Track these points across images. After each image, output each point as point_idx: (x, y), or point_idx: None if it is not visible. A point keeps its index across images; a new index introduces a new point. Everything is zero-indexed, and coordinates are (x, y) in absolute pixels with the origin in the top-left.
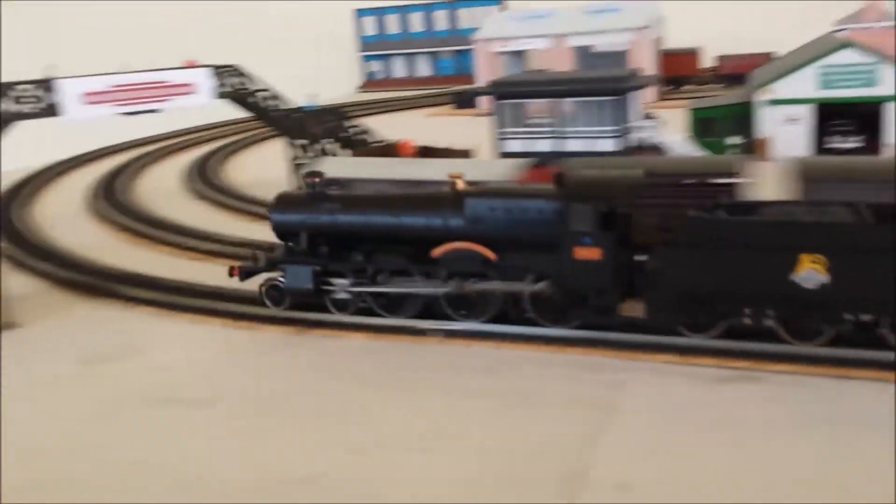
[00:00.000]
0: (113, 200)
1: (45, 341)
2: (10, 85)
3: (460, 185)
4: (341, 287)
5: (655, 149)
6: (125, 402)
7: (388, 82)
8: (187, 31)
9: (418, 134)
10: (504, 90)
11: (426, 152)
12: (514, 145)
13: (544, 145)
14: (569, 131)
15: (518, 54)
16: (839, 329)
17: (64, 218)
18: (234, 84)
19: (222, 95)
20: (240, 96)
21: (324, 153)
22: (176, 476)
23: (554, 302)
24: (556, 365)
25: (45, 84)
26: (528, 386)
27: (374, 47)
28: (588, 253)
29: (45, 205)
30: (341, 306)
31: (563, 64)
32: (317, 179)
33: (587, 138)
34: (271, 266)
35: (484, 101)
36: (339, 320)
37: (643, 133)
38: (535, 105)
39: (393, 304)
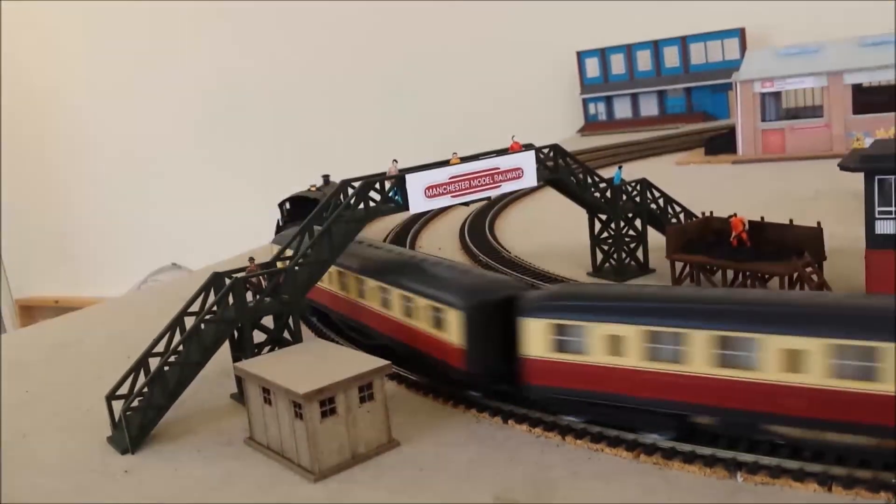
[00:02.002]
0: None
1: (444, 467)
2: (373, 183)
3: None
4: None
5: None
6: None
7: (611, 124)
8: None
9: (673, 188)
10: (879, 165)
11: (759, 230)
12: (888, 227)
13: None
14: None
15: (778, 95)
16: None
17: None
18: (554, 165)
19: (544, 177)
20: (560, 177)
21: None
22: None
23: None
24: None
25: (400, 180)
26: None
27: (596, 89)
28: None
29: None
30: None
31: (839, 102)
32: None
33: None
34: None
35: (742, 146)
36: None
37: None
38: None
39: None
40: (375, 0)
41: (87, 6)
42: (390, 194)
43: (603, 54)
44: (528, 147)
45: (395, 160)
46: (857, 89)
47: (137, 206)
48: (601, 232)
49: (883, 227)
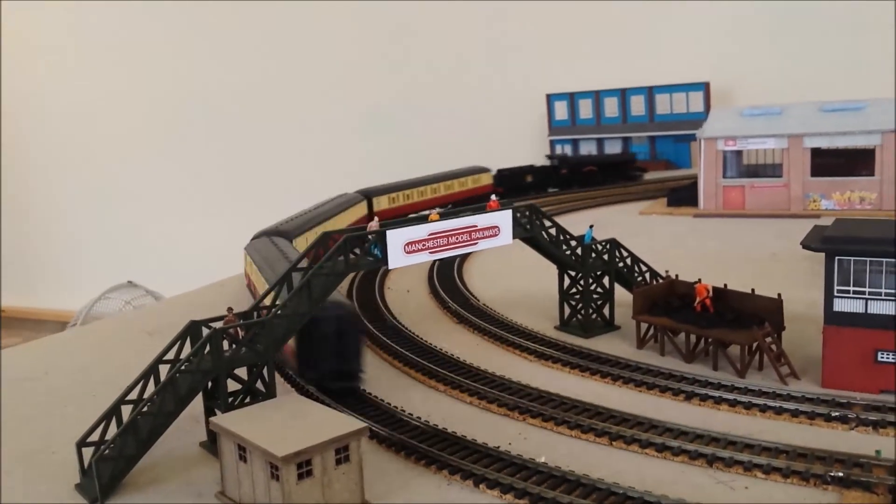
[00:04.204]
0: (377, 322)
1: None
2: (356, 239)
3: None
4: None
5: None
6: None
7: None
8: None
9: (637, 239)
10: (839, 247)
11: (722, 296)
12: (845, 305)
13: (886, 308)
14: None
15: (739, 153)
16: None
17: None
18: (529, 224)
19: (520, 235)
20: (534, 235)
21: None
22: None
23: None
24: None
25: (381, 235)
26: None
27: (564, 131)
28: None
29: None
30: None
31: (798, 164)
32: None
33: None
34: None
35: (704, 200)
36: None
37: None
38: (877, 264)
39: None
40: (358, 29)
41: (43, 13)
42: (371, 249)
43: (572, 98)
44: (505, 205)
45: (375, 217)
46: (816, 152)
47: (95, 218)
48: (570, 287)
49: (841, 306)
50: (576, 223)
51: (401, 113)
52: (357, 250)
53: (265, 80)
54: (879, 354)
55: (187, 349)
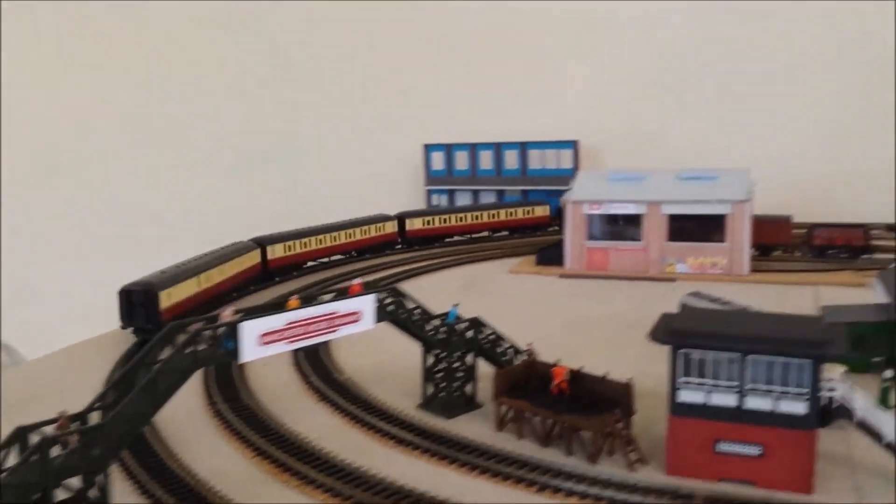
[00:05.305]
0: (232, 401)
1: None
2: (200, 331)
3: None
4: None
5: (846, 410)
6: None
7: None
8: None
9: (505, 300)
10: (683, 341)
11: (578, 379)
12: (689, 396)
13: (725, 399)
14: (754, 388)
15: (603, 216)
16: None
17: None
18: (392, 307)
19: (383, 319)
20: (398, 318)
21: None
22: None
23: None
24: None
25: (232, 328)
26: None
27: (441, 181)
28: None
29: None
30: None
31: (656, 229)
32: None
33: (774, 398)
34: None
35: (570, 260)
36: None
37: (834, 393)
38: (718, 357)
39: None
40: (247, 72)
41: None
42: (222, 342)
43: (448, 150)
44: (368, 288)
45: (230, 306)
46: (673, 218)
47: None
48: (434, 366)
49: (684, 396)
50: (448, 280)
51: (276, 160)
52: (208, 343)
53: (144, 120)
54: (719, 444)
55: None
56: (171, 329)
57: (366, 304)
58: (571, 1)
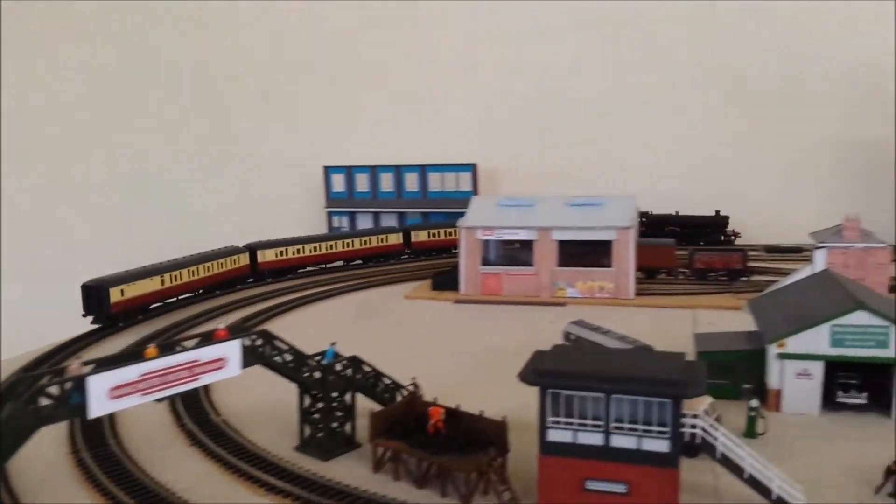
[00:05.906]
0: (98, 451)
1: None
2: (44, 388)
3: None
4: None
5: (711, 447)
6: None
7: None
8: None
9: (399, 332)
10: (550, 381)
11: (454, 417)
12: (557, 435)
13: (592, 438)
14: (619, 427)
15: (497, 241)
16: None
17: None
18: (262, 349)
19: (252, 363)
20: (269, 362)
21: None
22: None
23: None
24: None
25: (78, 382)
26: None
27: (341, 203)
28: None
29: None
30: None
31: (546, 254)
32: None
33: (638, 437)
34: None
35: (465, 285)
36: None
37: (696, 430)
38: (584, 397)
39: None
40: (132, 93)
41: None
42: (69, 396)
43: (349, 171)
44: (234, 331)
45: (78, 357)
46: (563, 244)
47: None
48: (311, 406)
49: (553, 436)
50: (341, 307)
51: (169, 180)
52: (54, 398)
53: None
54: (588, 483)
55: None
56: (16, 382)
57: (231, 350)
58: (468, 26)
